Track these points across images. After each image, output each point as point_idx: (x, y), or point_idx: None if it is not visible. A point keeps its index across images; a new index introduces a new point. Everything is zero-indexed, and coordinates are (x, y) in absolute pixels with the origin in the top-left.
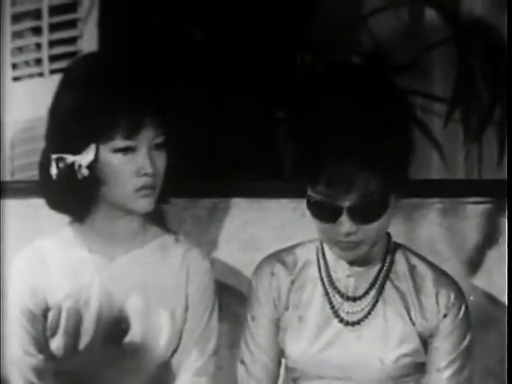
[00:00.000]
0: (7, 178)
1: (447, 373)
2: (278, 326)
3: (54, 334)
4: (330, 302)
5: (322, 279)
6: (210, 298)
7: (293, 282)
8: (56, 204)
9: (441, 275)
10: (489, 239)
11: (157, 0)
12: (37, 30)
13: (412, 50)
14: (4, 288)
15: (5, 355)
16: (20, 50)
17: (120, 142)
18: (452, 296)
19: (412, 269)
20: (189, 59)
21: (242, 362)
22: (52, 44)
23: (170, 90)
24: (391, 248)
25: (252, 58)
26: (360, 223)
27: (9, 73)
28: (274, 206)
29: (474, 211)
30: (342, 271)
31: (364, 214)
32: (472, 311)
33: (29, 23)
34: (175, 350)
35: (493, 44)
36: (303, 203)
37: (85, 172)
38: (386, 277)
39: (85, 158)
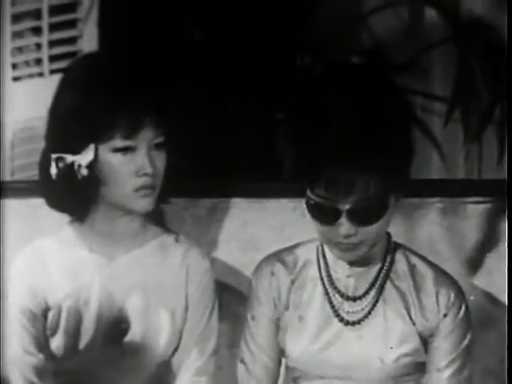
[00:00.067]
0: (7, 177)
1: (447, 372)
2: (278, 326)
3: (54, 333)
4: (330, 302)
5: (322, 279)
6: (210, 297)
7: (293, 282)
8: (56, 203)
9: (441, 275)
10: (489, 239)
11: (157, 0)
12: (37, 30)
13: (412, 50)
14: (4, 287)
15: (5, 354)
16: (20, 49)
17: (119, 142)
18: (452, 295)
19: (412, 268)
20: (188, 60)
21: (242, 362)
22: (52, 44)
23: (170, 90)
24: (391, 248)
25: (252, 58)
26: (359, 225)
27: (9, 73)
28: (274, 206)
29: (474, 211)
30: (342, 271)
31: (363, 216)
32: (472, 311)
33: (29, 23)
34: (175, 350)
35: (493, 43)
36: (303, 203)
37: (84, 172)
38: (386, 276)
39: (84, 158)
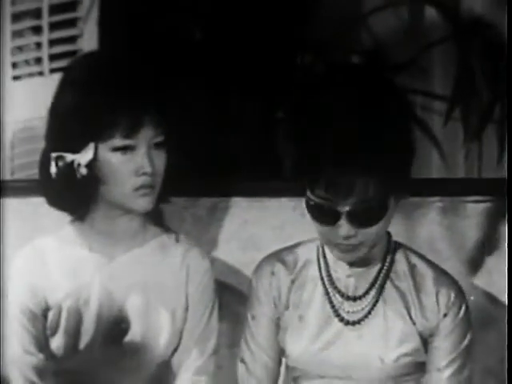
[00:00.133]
0: (7, 177)
1: (447, 372)
2: (278, 326)
3: (54, 333)
4: (331, 302)
5: (322, 278)
6: (210, 297)
7: (293, 282)
8: (56, 202)
9: (441, 274)
10: (489, 238)
11: None
12: (37, 29)
13: (412, 49)
14: (4, 287)
15: (5, 354)
16: (20, 49)
17: (119, 141)
18: (452, 295)
19: (412, 268)
20: (189, 59)
21: (243, 361)
22: (52, 43)
23: (170, 89)
24: (391, 247)
25: (252, 57)
26: (359, 227)
27: (9, 72)
28: (274, 205)
29: (474, 210)
30: (342, 271)
31: (363, 218)
32: (472, 311)
33: (29, 22)
34: (175, 350)
35: (493, 42)
36: (303, 202)
37: (83, 171)
38: (386, 276)
39: (84, 157)
